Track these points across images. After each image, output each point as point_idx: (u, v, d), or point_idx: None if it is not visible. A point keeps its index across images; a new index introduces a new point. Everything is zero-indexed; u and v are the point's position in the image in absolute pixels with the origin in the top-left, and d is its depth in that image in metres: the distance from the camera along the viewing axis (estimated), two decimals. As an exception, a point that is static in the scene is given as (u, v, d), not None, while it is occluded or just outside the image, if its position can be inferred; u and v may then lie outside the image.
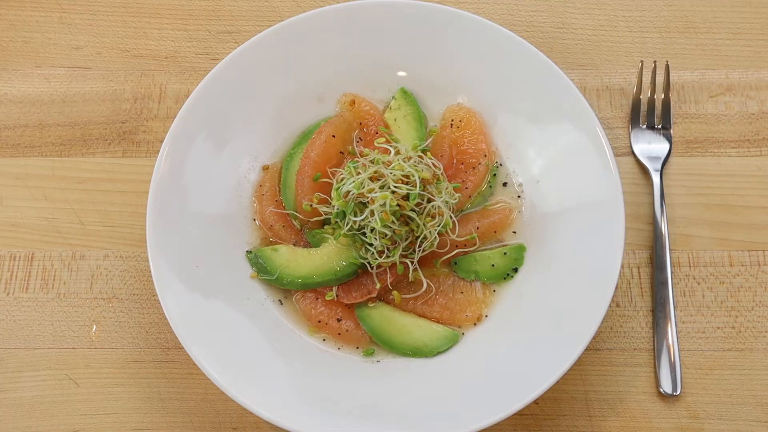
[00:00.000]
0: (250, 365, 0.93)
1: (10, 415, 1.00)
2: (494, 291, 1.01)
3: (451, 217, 0.98)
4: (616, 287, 0.95)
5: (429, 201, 0.96)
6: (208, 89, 1.02)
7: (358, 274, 0.99)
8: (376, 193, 0.93)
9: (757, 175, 1.09)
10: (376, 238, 0.94)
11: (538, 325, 0.95)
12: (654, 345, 1.00)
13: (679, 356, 1.00)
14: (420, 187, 0.94)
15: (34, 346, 1.03)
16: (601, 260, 0.93)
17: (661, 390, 0.98)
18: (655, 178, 1.07)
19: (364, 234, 0.95)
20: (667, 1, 1.21)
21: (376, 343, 0.98)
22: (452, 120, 1.07)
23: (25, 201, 1.10)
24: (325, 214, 1.01)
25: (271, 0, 1.22)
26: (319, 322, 0.99)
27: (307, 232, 1.04)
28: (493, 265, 1.00)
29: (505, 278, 1.00)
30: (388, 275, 0.97)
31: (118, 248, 1.07)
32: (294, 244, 1.03)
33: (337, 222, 0.98)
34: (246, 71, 1.04)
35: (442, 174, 1.00)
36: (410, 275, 0.98)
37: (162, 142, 0.99)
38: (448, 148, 1.06)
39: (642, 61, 1.12)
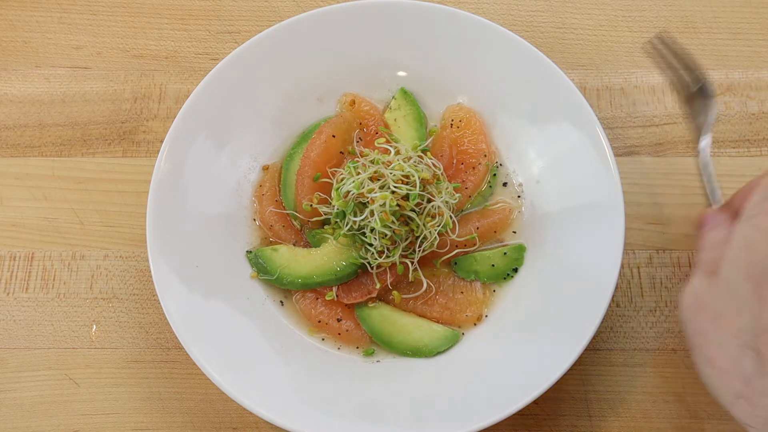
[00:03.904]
0: (250, 365, 0.93)
1: (10, 415, 1.00)
2: (494, 291, 1.01)
3: (451, 217, 0.98)
4: (616, 287, 0.95)
5: (429, 201, 0.96)
6: (208, 89, 1.02)
7: (358, 274, 0.99)
8: (375, 193, 0.93)
9: (757, 175, 1.09)
10: (376, 238, 0.94)
11: (538, 325, 0.95)
12: (654, 345, 1.00)
13: (679, 356, 1.00)
14: (420, 187, 0.94)
15: (34, 346, 1.03)
16: (601, 260, 0.93)
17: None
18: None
19: (364, 234, 0.95)
20: (667, 1, 1.21)
21: (376, 343, 0.98)
22: (452, 120, 1.07)
23: (25, 201, 1.10)
24: (325, 214, 1.01)
25: (271, 0, 1.22)
26: (319, 322, 0.99)
27: (307, 232, 1.04)
28: (493, 265, 1.00)
29: (505, 278, 1.01)
30: (388, 275, 0.98)
31: (118, 248, 1.07)
32: (294, 244, 1.03)
33: (337, 222, 0.98)
34: (246, 71, 1.04)
35: (442, 174, 1.00)
36: (410, 275, 0.98)
37: (162, 142, 0.99)
38: (448, 148, 1.06)
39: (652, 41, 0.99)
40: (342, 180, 0.97)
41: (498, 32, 1.03)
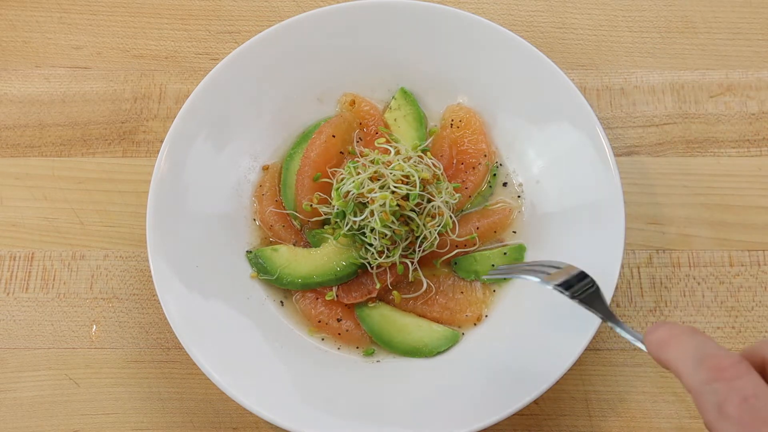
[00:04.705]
0: (250, 365, 0.93)
1: (10, 415, 1.00)
2: (494, 291, 1.01)
3: (451, 217, 0.98)
4: (616, 287, 0.95)
5: (429, 201, 0.96)
6: (208, 89, 1.02)
7: (358, 274, 0.99)
8: (375, 193, 0.93)
9: (757, 175, 1.09)
10: (376, 238, 0.94)
11: (538, 325, 0.95)
12: (654, 345, 1.00)
13: (679, 356, 1.00)
14: (420, 187, 0.94)
15: (34, 346, 1.03)
16: (601, 260, 0.93)
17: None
18: None
19: (363, 234, 0.95)
20: (667, 1, 1.21)
21: (376, 343, 0.98)
22: (452, 120, 1.07)
23: (25, 201, 1.10)
24: (325, 214, 1.01)
25: (271, 0, 1.22)
26: (319, 322, 0.99)
27: (307, 232, 1.04)
28: (493, 265, 1.00)
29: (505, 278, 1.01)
30: (388, 275, 0.98)
31: (118, 248, 1.07)
32: (294, 244, 1.03)
33: (337, 222, 0.98)
34: (246, 71, 1.04)
35: (442, 174, 1.00)
36: (410, 275, 0.98)
37: (162, 142, 0.99)
38: (448, 148, 1.06)
39: None
40: (342, 180, 0.97)
41: (498, 32, 1.03)
